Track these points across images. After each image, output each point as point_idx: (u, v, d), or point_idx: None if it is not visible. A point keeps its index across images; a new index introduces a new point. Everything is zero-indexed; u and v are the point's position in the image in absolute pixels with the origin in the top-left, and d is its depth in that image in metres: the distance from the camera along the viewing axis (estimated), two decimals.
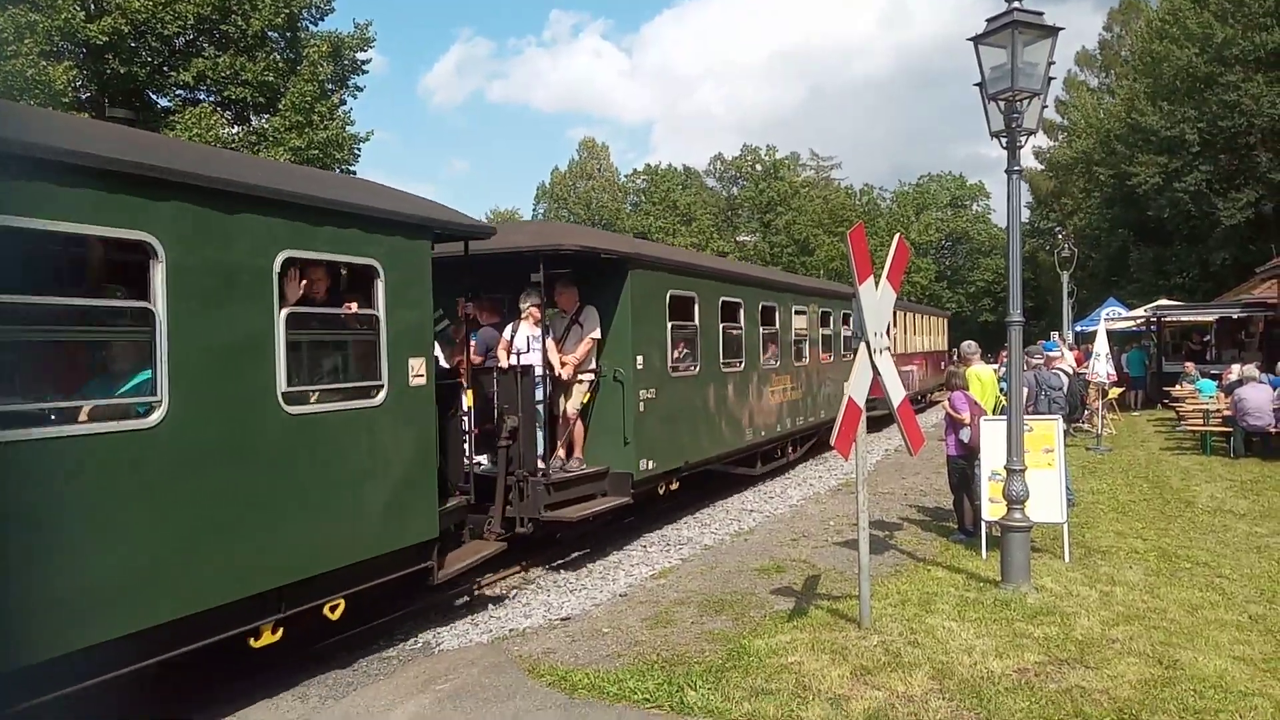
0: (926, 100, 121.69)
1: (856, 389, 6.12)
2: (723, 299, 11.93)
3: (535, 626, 7.16)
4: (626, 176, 77.30)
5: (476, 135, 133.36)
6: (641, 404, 9.69)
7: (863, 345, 6.19)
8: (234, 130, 23.01)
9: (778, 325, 14.38)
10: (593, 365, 9.47)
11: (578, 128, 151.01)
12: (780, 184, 70.96)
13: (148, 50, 22.15)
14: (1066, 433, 9.88)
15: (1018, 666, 5.52)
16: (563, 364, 9.17)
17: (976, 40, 7.12)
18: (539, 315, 9.09)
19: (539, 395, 8.80)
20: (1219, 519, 10.09)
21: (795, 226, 67.40)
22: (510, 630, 7.10)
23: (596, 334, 9.39)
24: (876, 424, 20.10)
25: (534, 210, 72.74)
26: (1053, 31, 6.95)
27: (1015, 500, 7.20)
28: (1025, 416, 7.87)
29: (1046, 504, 7.94)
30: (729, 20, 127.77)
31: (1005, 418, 7.62)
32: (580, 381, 9.38)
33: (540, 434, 8.78)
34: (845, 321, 18.50)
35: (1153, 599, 6.93)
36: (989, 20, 7.04)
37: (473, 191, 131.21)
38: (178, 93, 23.34)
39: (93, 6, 20.14)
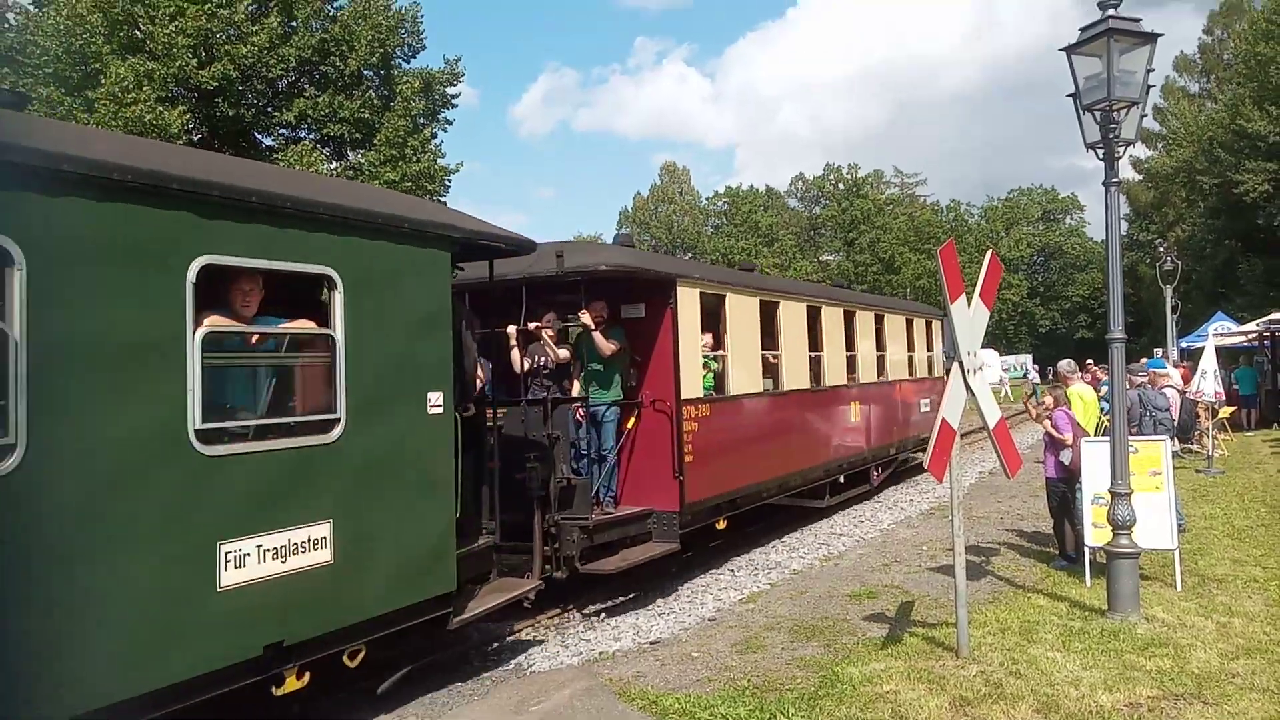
0: (1017, 112, 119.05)
1: (950, 410, 6.00)
2: None
3: (624, 649, 7.18)
4: (708, 199, 77.59)
5: (563, 163, 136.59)
6: None
7: (955, 365, 6.08)
8: (332, 165, 24.02)
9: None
10: None
11: (662, 153, 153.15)
12: (863, 202, 70.08)
13: (253, 93, 23.36)
14: (1175, 454, 9.40)
15: (1129, 700, 5.27)
16: None
17: (1070, 50, 6.95)
18: None
19: None
20: None
21: (880, 245, 66.36)
22: (600, 653, 7.14)
23: None
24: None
25: (617, 234, 73.69)
26: (1151, 38, 6.72)
27: (1121, 525, 6.89)
28: (1130, 437, 7.55)
29: (1155, 529, 7.59)
30: (812, 39, 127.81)
31: (1108, 438, 7.32)
32: None
33: None
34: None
35: (1276, 631, 6.53)
36: (1083, 29, 6.85)
37: (559, 218, 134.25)
38: (280, 132, 24.54)
39: (204, 54, 21.35)
